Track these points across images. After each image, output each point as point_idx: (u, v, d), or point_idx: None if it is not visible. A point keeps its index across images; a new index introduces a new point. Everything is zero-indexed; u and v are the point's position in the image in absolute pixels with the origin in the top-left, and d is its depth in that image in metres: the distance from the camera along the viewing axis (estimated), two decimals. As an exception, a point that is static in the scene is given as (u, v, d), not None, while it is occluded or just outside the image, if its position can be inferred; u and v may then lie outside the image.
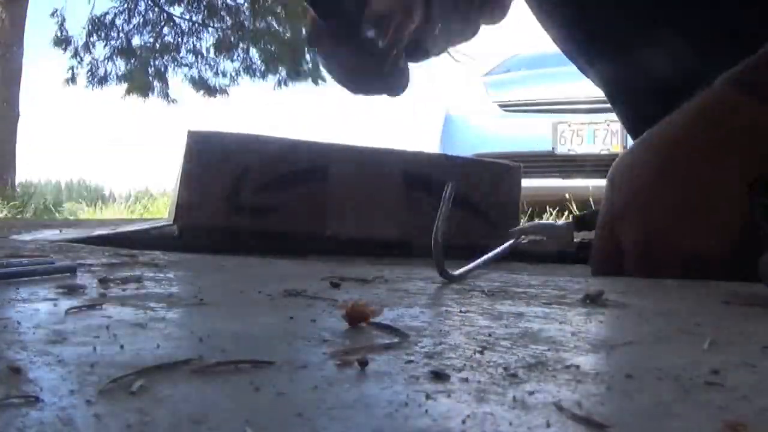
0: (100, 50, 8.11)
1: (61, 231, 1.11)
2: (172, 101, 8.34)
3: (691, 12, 0.80)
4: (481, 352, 0.32)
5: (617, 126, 3.58)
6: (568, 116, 3.76)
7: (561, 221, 0.89)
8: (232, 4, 8.50)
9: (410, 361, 0.30)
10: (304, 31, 8.00)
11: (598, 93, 0.98)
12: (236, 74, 8.60)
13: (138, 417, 0.22)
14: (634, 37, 0.85)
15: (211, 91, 8.53)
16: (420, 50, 0.85)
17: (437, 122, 4.05)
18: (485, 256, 0.71)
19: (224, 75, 8.61)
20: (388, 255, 0.87)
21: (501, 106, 3.85)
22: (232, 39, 8.46)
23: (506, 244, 0.80)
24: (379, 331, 0.37)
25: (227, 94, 8.58)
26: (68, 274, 0.55)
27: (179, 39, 8.48)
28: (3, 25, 6.60)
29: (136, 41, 8.33)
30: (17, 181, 6.97)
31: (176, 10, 8.45)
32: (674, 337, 0.39)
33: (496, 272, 0.69)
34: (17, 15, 6.75)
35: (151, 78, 8.26)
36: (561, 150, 3.77)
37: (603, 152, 3.66)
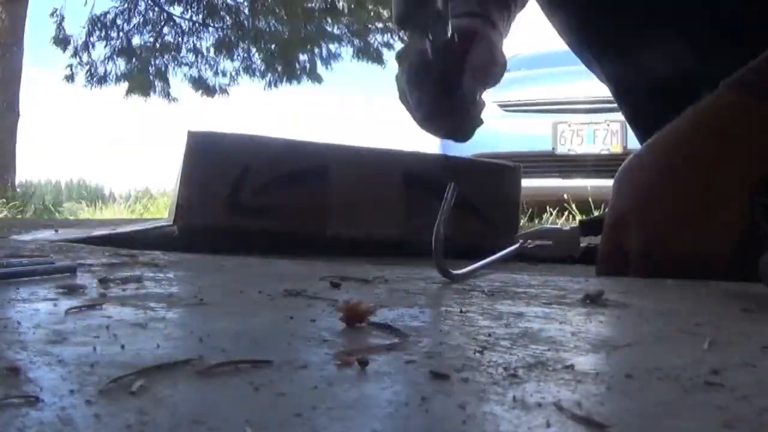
0: (100, 50, 8.13)
1: (56, 231, 1.11)
2: (174, 100, 8.34)
3: (690, 11, 0.80)
4: (481, 352, 0.32)
5: (617, 126, 3.58)
6: (568, 116, 3.77)
7: (567, 226, 0.89)
8: (232, 3, 8.50)
9: (410, 361, 0.30)
10: (303, 32, 8.04)
11: (598, 93, 0.98)
12: (236, 74, 8.62)
13: (138, 417, 0.22)
14: (634, 37, 0.85)
15: (210, 90, 8.53)
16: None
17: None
18: (489, 258, 0.71)
19: (224, 75, 8.63)
20: (388, 255, 0.86)
21: (501, 106, 3.85)
22: (232, 39, 8.46)
23: (512, 248, 0.80)
24: (379, 331, 0.37)
25: (227, 93, 8.59)
26: (68, 274, 0.55)
27: (179, 39, 8.48)
28: (3, 25, 6.59)
29: (136, 41, 8.34)
30: (17, 181, 6.97)
31: (176, 10, 8.45)
32: (674, 337, 0.39)
33: (496, 272, 0.69)
34: (17, 15, 6.74)
35: (152, 77, 8.26)
36: (561, 150, 3.77)
37: (603, 152, 3.66)
